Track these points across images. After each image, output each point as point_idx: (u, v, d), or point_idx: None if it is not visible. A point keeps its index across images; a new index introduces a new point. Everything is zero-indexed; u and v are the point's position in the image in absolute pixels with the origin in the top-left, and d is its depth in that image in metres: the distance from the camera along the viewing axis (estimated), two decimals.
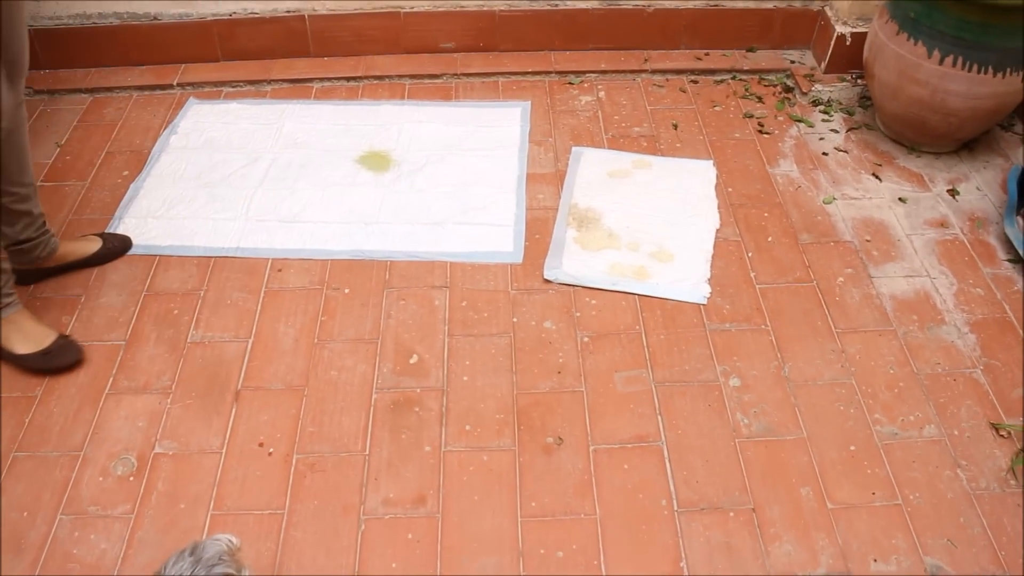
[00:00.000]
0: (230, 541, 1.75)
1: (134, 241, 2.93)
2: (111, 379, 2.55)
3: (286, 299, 2.75)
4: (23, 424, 2.44)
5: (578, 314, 2.70)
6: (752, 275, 2.85)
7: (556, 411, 2.43)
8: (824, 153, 3.38)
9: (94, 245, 2.84)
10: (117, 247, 2.89)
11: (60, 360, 2.55)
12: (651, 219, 3.01)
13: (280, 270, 2.85)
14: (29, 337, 2.54)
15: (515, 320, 2.68)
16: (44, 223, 2.67)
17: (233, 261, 2.89)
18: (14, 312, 2.54)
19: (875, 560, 2.14)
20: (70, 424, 2.44)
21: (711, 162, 3.29)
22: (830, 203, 3.14)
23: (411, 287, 2.78)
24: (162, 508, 2.25)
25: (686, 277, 2.80)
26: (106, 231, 2.96)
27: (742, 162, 3.31)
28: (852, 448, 2.37)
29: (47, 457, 2.37)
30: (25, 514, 2.24)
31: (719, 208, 3.09)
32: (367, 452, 2.35)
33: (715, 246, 2.94)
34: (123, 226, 3.02)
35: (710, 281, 2.81)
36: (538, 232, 2.97)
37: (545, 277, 2.80)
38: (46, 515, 2.24)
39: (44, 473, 2.33)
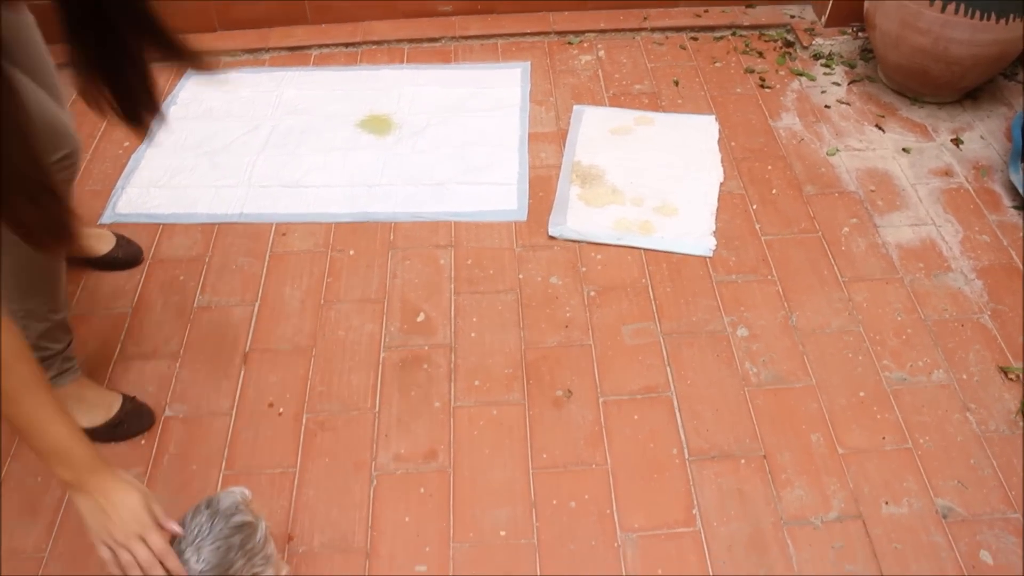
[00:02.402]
0: (243, 492, 1.76)
1: (136, 210, 2.92)
2: (119, 346, 2.55)
3: (291, 262, 2.75)
4: None
5: (584, 269, 2.70)
6: (757, 227, 2.84)
7: (564, 365, 2.43)
8: (826, 106, 3.36)
9: (106, 245, 2.77)
10: (124, 259, 2.78)
11: (133, 429, 2.34)
12: (655, 174, 2.99)
13: (284, 234, 2.84)
14: (93, 407, 2.31)
15: (521, 277, 2.68)
16: None
17: (237, 227, 2.88)
18: (72, 381, 2.28)
19: (886, 503, 2.14)
20: None
21: (713, 117, 3.28)
22: (833, 155, 3.13)
23: (416, 247, 2.78)
24: (174, 470, 2.25)
25: (691, 230, 2.79)
26: (119, 235, 2.86)
27: (744, 116, 3.29)
28: (861, 394, 2.37)
29: None
30: (39, 479, 2.25)
31: (722, 162, 3.08)
32: (377, 409, 2.35)
33: (719, 199, 2.94)
34: (125, 196, 3.01)
35: (715, 234, 2.81)
36: (541, 190, 2.97)
37: (550, 234, 2.80)
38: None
39: None
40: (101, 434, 2.31)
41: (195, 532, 1.67)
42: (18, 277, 2.02)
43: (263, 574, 1.79)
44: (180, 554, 1.64)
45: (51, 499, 2.21)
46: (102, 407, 2.32)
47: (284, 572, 1.92)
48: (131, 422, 2.33)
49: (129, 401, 2.36)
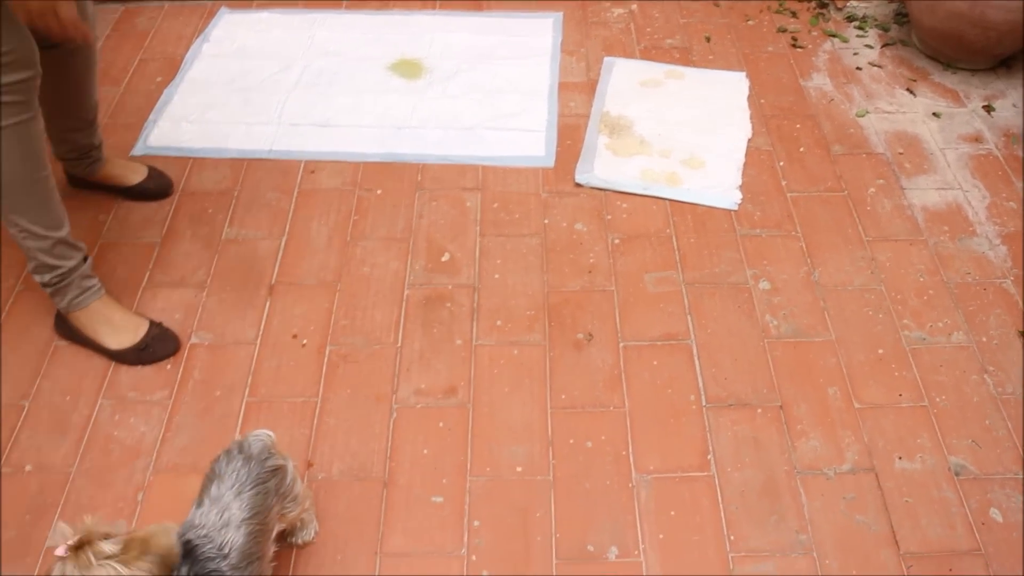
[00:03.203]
0: (269, 435, 1.77)
1: (167, 143, 2.95)
2: (148, 274, 2.58)
3: (319, 199, 2.77)
4: None
5: (609, 217, 2.71)
6: (783, 183, 2.84)
7: (586, 309, 2.46)
8: (858, 68, 3.34)
9: (137, 176, 2.80)
10: (155, 190, 2.82)
11: (159, 353, 2.37)
12: (683, 127, 3.00)
13: (313, 172, 2.87)
14: (119, 329, 2.35)
15: (546, 222, 2.69)
16: (95, 150, 2.68)
17: (266, 163, 2.91)
18: (96, 300, 2.34)
19: (900, 458, 2.16)
20: None
21: (743, 74, 3.27)
22: (863, 116, 3.12)
23: (443, 189, 2.80)
24: (199, 395, 2.29)
25: (717, 183, 2.80)
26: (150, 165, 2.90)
27: (775, 75, 3.28)
28: (880, 351, 2.38)
29: None
30: (68, 398, 2.29)
31: (751, 119, 3.08)
32: (399, 344, 2.38)
33: (747, 155, 2.94)
34: (157, 129, 3.03)
35: (741, 188, 2.81)
36: (569, 138, 2.97)
37: (576, 181, 2.81)
38: (88, 399, 2.29)
39: (84, 360, 2.38)
40: (127, 357, 2.36)
41: (233, 478, 1.67)
42: (8, 196, 2.08)
43: (291, 513, 1.83)
44: (219, 499, 1.65)
45: (79, 417, 2.26)
46: (129, 330, 2.36)
47: (308, 506, 1.95)
48: (157, 346, 2.36)
49: (156, 326, 2.39)
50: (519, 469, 2.13)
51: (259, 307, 2.48)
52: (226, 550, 1.59)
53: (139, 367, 2.34)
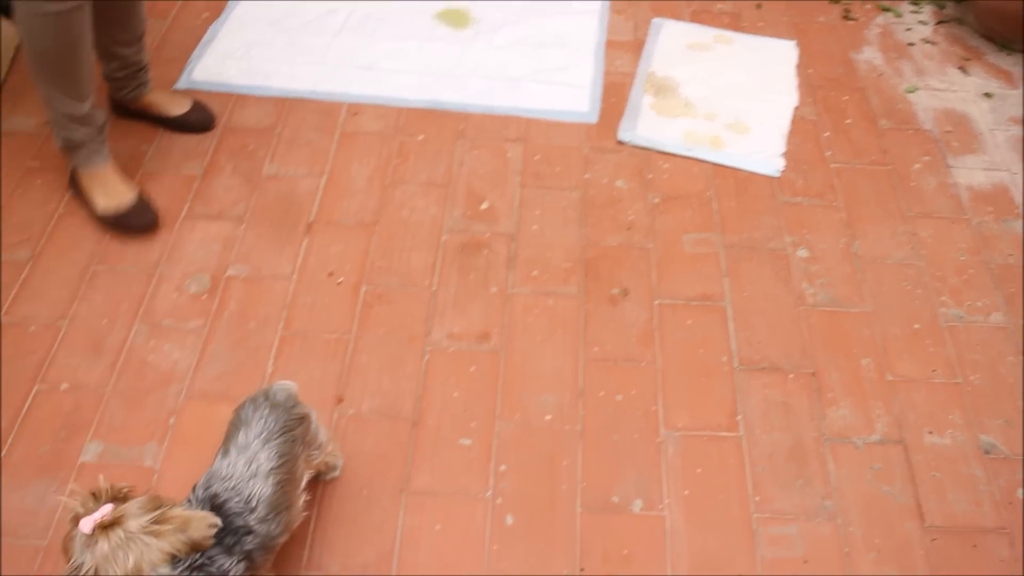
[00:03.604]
0: (292, 385, 1.77)
1: (211, 79, 2.95)
2: (187, 205, 2.60)
3: (360, 141, 2.77)
4: (103, 241, 2.50)
5: (650, 176, 2.70)
6: (827, 154, 2.81)
7: (623, 264, 2.45)
8: (910, 44, 3.29)
9: (181, 107, 2.81)
10: (197, 122, 2.83)
11: (134, 222, 2.52)
12: (729, 92, 2.97)
13: (356, 114, 2.86)
14: (110, 193, 2.52)
15: (587, 177, 2.68)
16: (141, 72, 2.69)
17: (309, 103, 2.90)
18: (100, 165, 2.52)
19: (930, 432, 2.15)
20: (147, 243, 2.50)
21: (794, 43, 3.23)
22: (912, 92, 3.08)
23: (485, 138, 2.79)
24: (233, 325, 2.31)
25: (761, 150, 2.78)
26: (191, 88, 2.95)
27: (825, 45, 3.24)
28: (916, 326, 2.36)
29: (125, 272, 2.43)
30: (104, 321, 2.31)
31: (798, 88, 3.05)
32: (434, 288, 2.39)
33: (792, 123, 2.91)
34: (201, 65, 3.03)
35: (784, 156, 2.79)
36: (614, 96, 2.95)
37: (619, 139, 2.79)
38: (123, 323, 2.31)
39: (122, 286, 2.40)
40: (108, 221, 2.52)
41: (260, 425, 1.66)
42: (38, 65, 2.26)
43: (316, 460, 1.83)
44: (247, 447, 1.64)
45: (115, 341, 2.28)
46: (115, 197, 2.51)
47: (332, 449, 1.96)
48: (134, 216, 2.50)
49: (141, 202, 2.52)
50: (548, 417, 2.14)
51: (296, 243, 2.48)
52: (253, 503, 1.58)
53: (175, 295, 2.36)
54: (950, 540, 1.97)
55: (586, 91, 2.94)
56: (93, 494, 1.44)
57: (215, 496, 1.58)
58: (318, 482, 2.00)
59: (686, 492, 2.02)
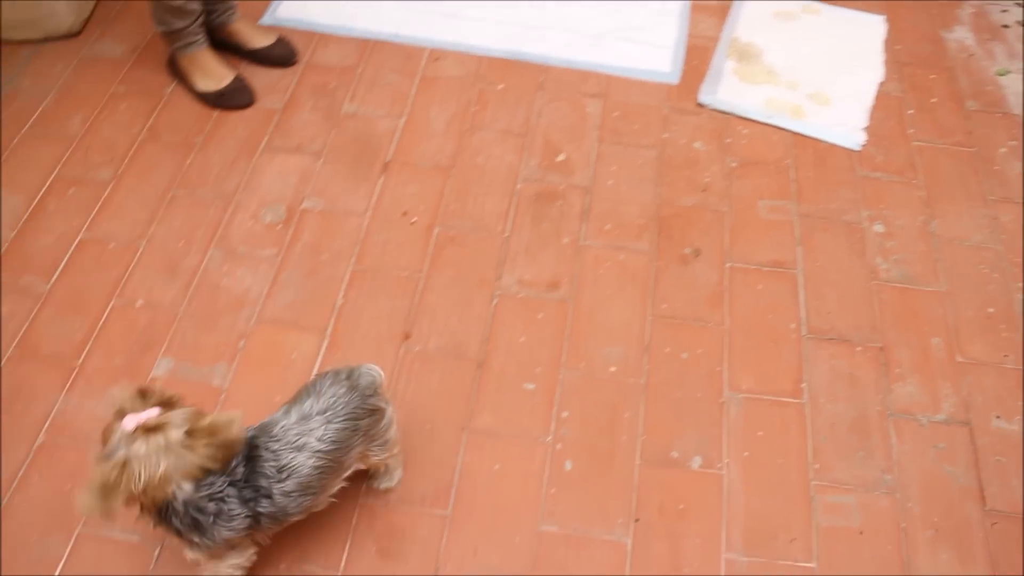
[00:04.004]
0: (379, 373, 1.70)
1: (295, 16, 2.97)
2: (267, 137, 2.62)
3: (440, 86, 2.78)
4: (183, 167, 2.54)
5: (729, 140, 2.67)
6: (910, 131, 2.77)
7: (696, 225, 2.44)
8: (1004, 25, 3.22)
9: (265, 40, 2.85)
10: (280, 57, 2.88)
11: (233, 101, 2.69)
12: (813, 62, 2.93)
13: (437, 60, 2.87)
14: (209, 75, 2.69)
15: (665, 136, 2.66)
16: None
17: (391, 46, 2.91)
18: (198, 50, 2.66)
19: (998, 417, 2.12)
20: (226, 172, 2.53)
21: (883, 18, 3.17)
22: (1004, 75, 3.01)
23: (565, 92, 2.78)
24: (306, 256, 2.34)
25: (842, 122, 2.74)
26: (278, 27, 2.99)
27: (914, 22, 3.18)
28: (990, 310, 2.33)
29: (203, 198, 2.47)
30: (181, 243, 2.36)
31: (884, 63, 2.99)
32: (507, 235, 2.40)
33: (876, 98, 2.86)
34: (286, 3, 3.05)
35: (866, 130, 2.75)
36: (696, 59, 2.93)
37: (699, 101, 2.77)
38: (199, 247, 2.35)
39: (200, 211, 2.43)
40: (208, 99, 2.70)
41: (330, 402, 1.61)
42: None
43: (375, 457, 1.77)
44: (308, 418, 1.60)
45: (190, 263, 2.32)
46: (215, 79, 2.69)
47: (396, 452, 1.86)
48: (233, 96, 2.70)
49: (238, 81, 2.71)
50: (613, 369, 2.14)
51: (372, 181, 2.50)
52: (285, 474, 1.56)
53: (250, 224, 2.39)
54: (1010, 526, 1.95)
55: (669, 52, 2.91)
56: (141, 392, 1.46)
57: (255, 447, 1.56)
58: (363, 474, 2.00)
59: (746, 453, 2.02)
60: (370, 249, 2.35)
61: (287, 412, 1.61)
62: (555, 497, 1.94)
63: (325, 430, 1.58)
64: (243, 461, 1.53)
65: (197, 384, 2.09)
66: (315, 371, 2.11)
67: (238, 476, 1.52)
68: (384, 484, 1.91)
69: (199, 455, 1.43)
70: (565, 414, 2.06)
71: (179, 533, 1.53)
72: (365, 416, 1.64)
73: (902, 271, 2.37)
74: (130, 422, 1.40)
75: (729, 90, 2.79)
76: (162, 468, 1.40)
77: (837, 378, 2.16)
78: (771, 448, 2.03)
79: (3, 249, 2.33)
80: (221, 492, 1.50)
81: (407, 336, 2.18)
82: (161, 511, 1.49)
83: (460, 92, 2.76)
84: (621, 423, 2.05)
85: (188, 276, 2.29)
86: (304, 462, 1.56)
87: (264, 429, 1.59)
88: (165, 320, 2.20)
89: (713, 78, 2.83)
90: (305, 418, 1.59)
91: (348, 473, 1.70)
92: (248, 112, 2.69)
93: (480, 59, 2.87)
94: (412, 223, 2.40)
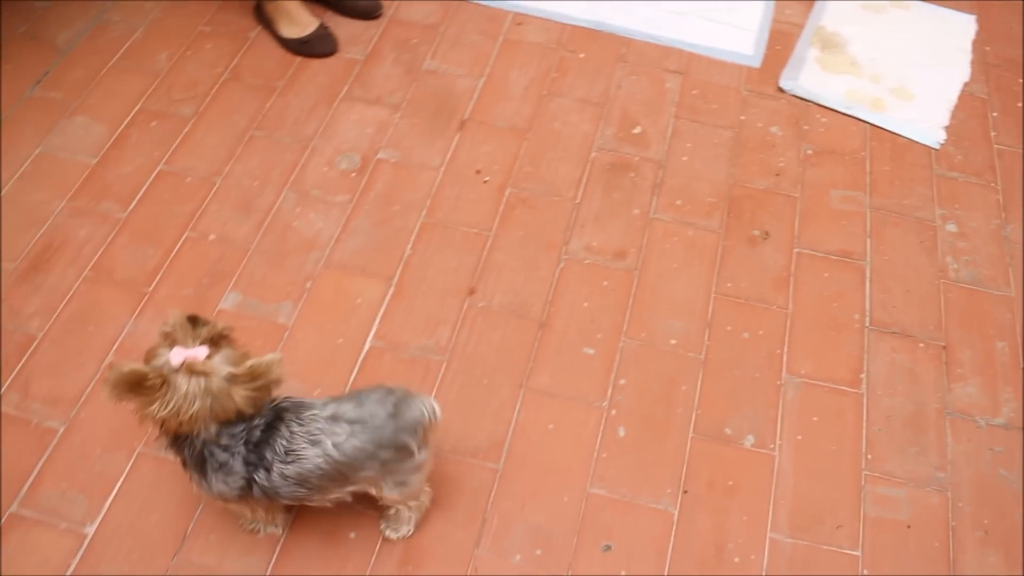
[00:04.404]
0: (433, 412, 1.59)
1: None
2: (347, 87, 2.65)
3: (522, 50, 2.79)
4: (263, 109, 2.58)
5: (806, 127, 2.66)
6: (992, 134, 2.73)
7: (767, 209, 2.43)
8: None
9: None
10: (364, 9, 2.90)
11: (317, 49, 2.72)
12: (898, 56, 2.90)
13: (520, 24, 2.88)
14: (294, 22, 2.72)
15: (742, 118, 2.65)
16: None
17: (475, 7, 2.93)
18: None
19: None
20: (305, 117, 2.56)
21: (973, 17, 3.12)
22: None
23: (645, 66, 2.78)
24: (378, 205, 2.36)
25: (923, 119, 2.71)
26: None
27: (1007, 24, 3.12)
28: None
29: (280, 141, 2.50)
30: (256, 183, 2.40)
31: (971, 63, 2.94)
32: (577, 200, 2.41)
33: (959, 98, 2.82)
34: None
35: (946, 129, 2.71)
36: (779, 44, 2.91)
37: (780, 86, 2.75)
38: (274, 188, 2.39)
39: (276, 153, 2.47)
40: (291, 46, 2.75)
41: (364, 417, 1.54)
42: None
43: (390, 493, 1.66)
44: (337, 420, 1.54)
45: (264, 202, 2.36)
46: (299, 26, 2.73)
47: (414, 506, 1.78)
48: (317, 43, 2.73)
49: (322, 28, 2.74)
50: (673, 342, 2.15)
51: (448, 138, 2.52)
52: (290, 459, 1.52)
53: (325, 169, 2.42)
54: None
55: (752, 35, 2.90)
56: (192, 319, 1.46)
57: (280, 419, 1.54)
58: (439, 364, 2.03)
59: (799, 437, 2.02)
60: (441, 203, 2.37)
61: (325, 405, 1.57)
62: (606, 461, 1.95)
63: (345, 443, 1.53)
64: (263, 426, 1.51)
65: (262, 320, 2.13)
66: (378, 318, 2.14)
67: (254, 438, 1.51)
68: (389, 531, 1.82)
69: (237, 399, 1.44)
70: (622, 381, 2.07)
71: (184, 464, 1.55)
72: (390, 448, 1.55)
73: (972, 272, 2.35)
74: (177, 357, 1.40)
75: (810, 78, 2.77)
76: (196, 408, 1.41)
77: (897, 372, 2.14)
78: (825, 434, 2.03)
79: (85, 175, 2.38)
80: (234, 447, 1.50)
81: (472, 291, 2.20)
82: (179, 439, 1.50)
83: (541, 58, 2.76)
84: (677, 395, 2.06)
85: (261, 215, 2.32)
86: (311, 457, 1.52)
87: (297, 408, 1.56)
88: (235, 255, 2.24)
89: (795, 64, 2.81)
90: (335, 419, 1.54)
91: (354, 489, 1.64)
92: (330, 61, 2.72)
93: (563, 27, 2.87)
94: (484, 182, 2.42)
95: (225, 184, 2.39)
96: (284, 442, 1.52)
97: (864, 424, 2.05)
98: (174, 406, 1.40)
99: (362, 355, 2.08)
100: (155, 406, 1.40)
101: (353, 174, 2.42)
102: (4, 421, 1.95)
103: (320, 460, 1.53)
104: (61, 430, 1.94)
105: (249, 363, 1.43)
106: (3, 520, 1.82)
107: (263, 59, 2.70)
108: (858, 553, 1.87)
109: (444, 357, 2.09)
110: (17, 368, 2.03)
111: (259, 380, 1.44)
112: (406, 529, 1.81)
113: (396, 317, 2.14)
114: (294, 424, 1.53)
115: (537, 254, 2.27)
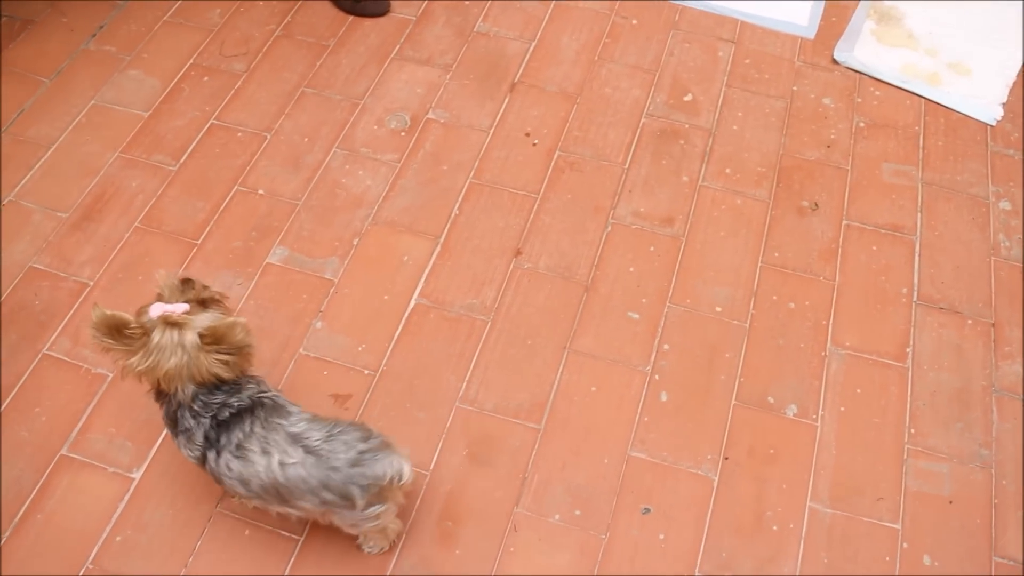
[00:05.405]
0: (399, 474, 1.51)
1: None
2: (398, 46, 2.66)
3: (574, 15, 2.78)
4: (314, 66, 2.60)
5: (859, 100, 2.62)
6: None
7: (817, 180, 2.41)
8: None
9: None
10: None
11: (369, 8, 2.72)
12: (957, 31, 2.85)
13: None
14: None
15: (795, 89, 2.63)
16: None
17: None
18: None
19: None
20: (355, 76, 2.57)
21: None
22: None
23: (698, 34, 2.75)
24: (426, 165, 2.37)
25: (981, 95, 2.67)
26: None
27: None
28: None
29: (330, 98, 2.51)
30: (306, 139, 2.41)
31: None
32: (626, 166, 2.40)
33: (1018, 76, 2.77)
34: None
35: (1004, 106, 2.66)
36: (835, 16, 2.87)
37: (834, 58, 2.72)
38: (323, 145, 2.41)
39: (326, 111, 2.48)
40: (344, 5, 2.75)
41: (324, 452, 1.48)
42: None
43: (342, 526, 1.63)
44: (296, 441, 1.49)
45: (313, 159, 2.37)
46: None
47: (381, 532, 1.72)
48: (369, 4, 2.73)
49: None
50: (718, 309, 2.14)
51: (498, 100, 2.52)
52: (239, 455, 1.49)
53: (375, 128, 2.43)
54: None
55: (807, 5, 2.86)
56: (183, 282, 1.48)
57: (251, 410, 1.51)
58: (476, 320, 2.05)
59: (842, 408, 2.01)
60: (489, 165, 2.37)
61: (299, 419, 1.53)
62: (647, 425, 1.96)
63: (291, 465, 1.48)
64: (236, 410, 1.50)
65: (309, 275, 2.15)
66: (424, 276, 2.15)
67: (222, 416, 1.49)
68: (365, 546, 1.77)
69: (210, 360, 1.44)
70: (666, 347, 2.07)
71: (164, 419, 1.55)
72: (334, 493, 1.49)
73: None
74: (156, 310, 1.42)
75: (865, 50, 2.73)
76: (172, 364, 1.42)
77: (944, 348, 2.12)
78: (868, 407, 2.01)
79: (138, 127, 2.41)
80: (202, 417, 1.50)
81: (518, 252, 2.20)
82: (161, 395, 1.52)
83: (593, 23, 2.75)
84: (721, 362, 2.05)
85: (310, 172, 2.34)
86: (257, 464, 1.49)
87: (273, 409, 1.53)
88: (284, 210, 2.26)
89: (850, 36, 2.77)
90: (295, 439, 1.49)
91: (298, 514, 1.60)
92: (382, 20, 2.72)
93: None
94: (534, 144, 2.42)
95: (275, 140, 2.41)
96: (241, 436, 1.49)
97: (908, 398, 2.04)
98: (152, 360, 1.41)
99: (407, 312, 2.10)
100: (135, 359, 1.42)
101: (402, 133, 2.43)
102: (55, 366, 1.98)
103: (263, 471, 1.49)
104: (110, 377, 1.97)
105: (210, 323, 1.43)
106: (54, 462, 1.85)
107: (316, 17, 2.71)
108: (898, 526, 1.86)
109: (488, 317, 2.10)
110: (68, 315, 2.06)
111: (224, 342, 1.43)
112: (380, 546, 1.77)
113: (442, 276, 2.16)
114: (258, 424, 1.50)
115: (584, 218, 2.27)
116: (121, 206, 2.26)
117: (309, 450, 1.48)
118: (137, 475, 1.86)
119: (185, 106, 2.48)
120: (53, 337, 2.03)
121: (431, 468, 1.88)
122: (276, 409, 1.53)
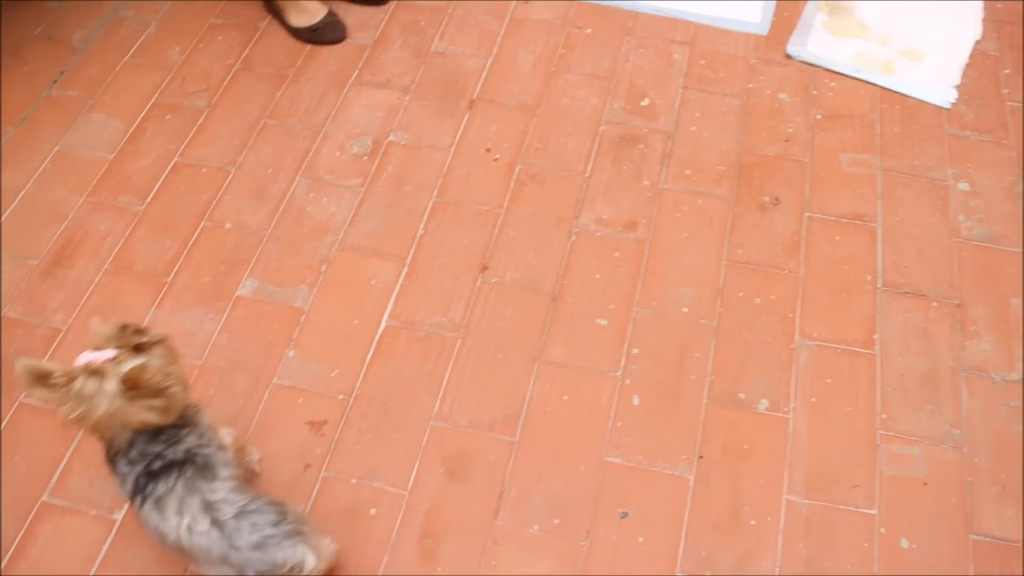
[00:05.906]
0: (301, 565, 1.50)
1: None
2: (357, 72, 2.69)
3: (529, 28, 2.81)
4: (274, 97, 2.62)
5: (815, 92, 2.65)
6: (1004, 91, 2.71)
7: (777, 174, 2.44)
8: None
9: None
10: None
11: (326, 36, 2.75)
12: (907, 17, 2.88)
13: (527, 2, 2.89)
14: (303, 11, 2.74)
15: (750, 86, 2.66)
16: None
17: None
18: None
19: None
20: (316, 104, 2.60)
21: None
22: None
23: (652, 38, 2.79)
24: (389, 187, 2.40)
25: (934, 79, 2.70)
26: None
27: None
28: None
29: (292, 128, 2.54)
30: (270, 170, 2.44)
31: (983, 21, 2.92)
32: (587, 174, 2.43)
33: (970, 56, 2.80)
34: None
35: (958, 88, 2.70)
36: (786, 10, 2.90)
37: (787, 52, 2.75)
38: (287, 175, 2.43)
39: (288, 141, 2.51)
40: (301, 35, 2.77)
41: (230, 528, 1.48)
42: None
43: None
44: (209, 509, 1.49)
45: (278, 189, 2.40)
46: (308, 14, 2.75)
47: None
48: (326, 31, 2.75)
49: (331, 15, 2.76)
50: (685, 309, 2.17)
51: (457, 118, 2.55)
52: (157, 509, 1.49)
53: (337, 154, 2.46)
54: None
55: (759, 3, 2.89)
56: (122, 328, 1.46)
57: (181, 465, 1.51)
58: (459, 329, 2.07)
59: (813, 399, 2.03)
60: (452, 183, 2.40)
61: (222, 487, 1.52)
62: (621, 430, 1.98)
63: (198, 533, 1.47)
64: (167, 463, 1.50)
65: (280, 304, 2.18)
66: (393, 298, 2.18)
67: (153, 467, 1.49)
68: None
69: (136, 407, 1.43)
70: (635, 351, 2.09)
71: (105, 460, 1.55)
72: (235, 570, 1.48)
73: (985, 230, 2.35)
74: (83, 358, 1.42)
75: (818, 43, 2.76)
76: (101, 412, 1.41)
77: (910, 332, 2.15)
78: (839, 396, 2.04)
79: (103, 170, 2.43)
80: (136, 466, 1.50)
81: (485, 268, 2.23)
82: (103, 440, 1.52)
83: (548, 35, 2.78)
84: (690, 362, 2.08)
85: (275, 202, 2.37)
86: (169, 521, 1.49)
87: (204, 468, 1.52)
88: (252, 242, 2.29)
89: (803, 30, 2.80)
90: (209, 507, 1.48)
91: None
92: (339, 47, 2.75)
93: (569, 3, 2.89)
94: (495, 160, 2.44)
95: (239, 173, 2.44)
96: (164, 490, 1.49)
97: (878, 384, 2.06)
98: (81, 408, 1.40)
99: (378, 335, 2.12)
100: (65, 407, 1.41)
101: (365, 157, 2.46)
102: (32, 414, 2.00)
103: (173, 531, 1.48)
104: None
105: (124, 368, 1.41)
106: (35, 509, 1.87)
107: (273, 49, 2.74)
108: (874, 512, 1.88)
109: (458, 334, 2.12)
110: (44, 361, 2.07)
111: (140, 387, 1.42)
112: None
113: (410, 296, 2.18)
114: (182, 482, 1.50)
115: (548, 229, 2.30)
116: (90, 250, 2.29)
117: (216, 523, 1.47)
118: (119, 516, 1.88)
119: (149, 146, 2.51)
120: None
121: (408, 488, 1.91)
122: (204, 470, 1.51)
